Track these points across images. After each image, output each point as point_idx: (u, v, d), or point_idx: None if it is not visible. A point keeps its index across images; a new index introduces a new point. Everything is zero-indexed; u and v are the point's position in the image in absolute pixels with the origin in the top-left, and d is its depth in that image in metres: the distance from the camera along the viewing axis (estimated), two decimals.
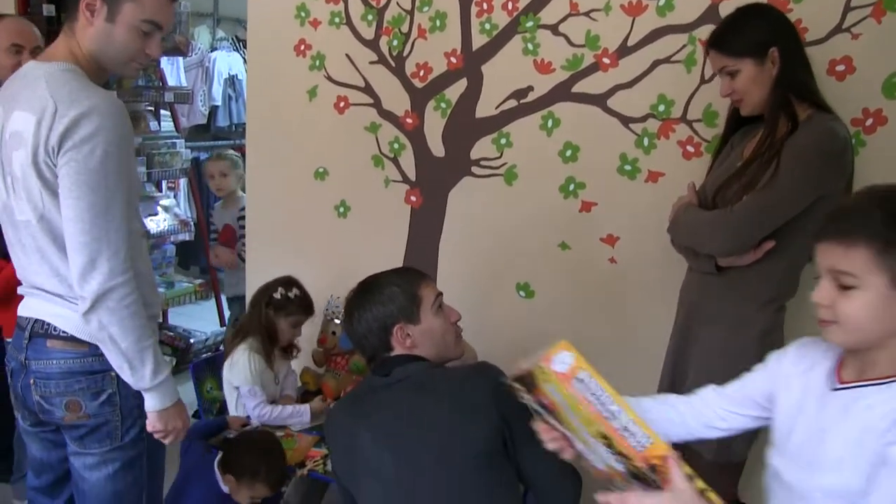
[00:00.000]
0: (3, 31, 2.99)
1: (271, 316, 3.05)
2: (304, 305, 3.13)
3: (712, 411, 1.68)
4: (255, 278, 3.73)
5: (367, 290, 2.13)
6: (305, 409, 3.01)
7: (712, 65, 2.25)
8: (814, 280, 1.40)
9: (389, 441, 1.91)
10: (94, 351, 1.90)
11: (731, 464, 2.29)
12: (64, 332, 1.91)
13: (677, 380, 2.37)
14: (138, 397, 1.95)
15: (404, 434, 1.90)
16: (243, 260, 3.96)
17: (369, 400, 2.02)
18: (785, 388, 1.54)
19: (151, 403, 1.93)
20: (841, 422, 1.38)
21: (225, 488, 2.56)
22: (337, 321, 3.36)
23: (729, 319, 2.24)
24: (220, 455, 2.61)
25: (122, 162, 1.81)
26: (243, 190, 4.11)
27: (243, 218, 3.97)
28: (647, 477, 1.23)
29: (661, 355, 2.50)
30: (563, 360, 1.19)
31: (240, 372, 2.97)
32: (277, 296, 3.06)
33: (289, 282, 3.13)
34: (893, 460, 1.27)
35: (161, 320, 4.99)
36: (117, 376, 1.92)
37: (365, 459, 1.93)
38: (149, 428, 1.97)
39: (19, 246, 1.93)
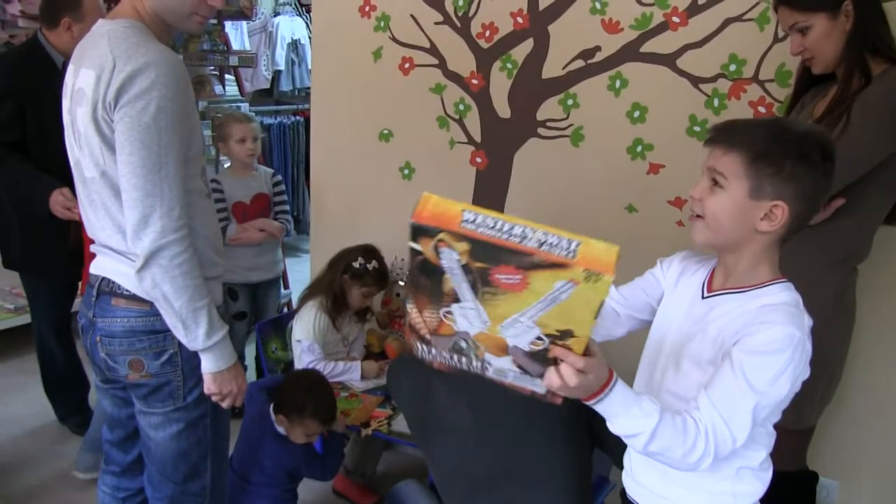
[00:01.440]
0: (90, 14, 3.06)
1: (346, 282, 3.09)
2: (379, 278, 3.15)
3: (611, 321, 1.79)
4: (320, 241, 3.78)
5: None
6: (356, 366, 3.07)
7: (782, 22, 2.19)
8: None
9: (467, 397, 1.91)
10: (155, 311, 1.88)
11: (799, 430, 2.24)
12: (126, 290, 1.91)
13: None
14: (198, 357, 1.95)
15: (481, 390, 1.88)
16: (291, 225, 3.84)
17: None
18: (668, 294, 1.69)
19: (206, 365, 1.93)
20: (704, 326, 1.52)
21: (281, 430, 2.63)
22: (401, 283, 3.37)
23: (799, 280, 2.17)
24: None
25: (177, 118, 1.79)
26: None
27: (279, 184, 3.81)
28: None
29: None
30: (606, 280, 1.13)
31: (303, 326, 3.02)
32: (356, 265, 3.09)
33: (370, 252, 3.15)
34: (732, 357, 1.40)
35: None
36: None
37: (441, 415, 1.93)
38: (205, 390, 1.97)
39: (89, 202, 1.94)
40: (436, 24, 3.27)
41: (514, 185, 3.24)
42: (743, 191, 1.43)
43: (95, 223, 1.94)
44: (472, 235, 1.13)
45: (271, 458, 2.63)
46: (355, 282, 3.08)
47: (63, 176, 1.98)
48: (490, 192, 3.29)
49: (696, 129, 2.77)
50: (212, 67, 5.31)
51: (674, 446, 1.37)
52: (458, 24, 3.22)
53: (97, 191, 1.88)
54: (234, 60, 5.25)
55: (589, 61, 2.96)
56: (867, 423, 2.69)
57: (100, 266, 1.97)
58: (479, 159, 3.29)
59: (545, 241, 1.12)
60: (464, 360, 1.41)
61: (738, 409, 1.39)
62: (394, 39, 3.40)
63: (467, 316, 1.28)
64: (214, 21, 5.22)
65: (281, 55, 6.58)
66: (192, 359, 1.94)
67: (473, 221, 1.14)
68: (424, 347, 1.43)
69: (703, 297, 1.58)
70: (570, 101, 3.03)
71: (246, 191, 3.60)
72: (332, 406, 2.65)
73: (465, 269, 1.18)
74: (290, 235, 4.31)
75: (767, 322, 1.41)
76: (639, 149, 2.91)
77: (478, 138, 3.28)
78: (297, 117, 6.59)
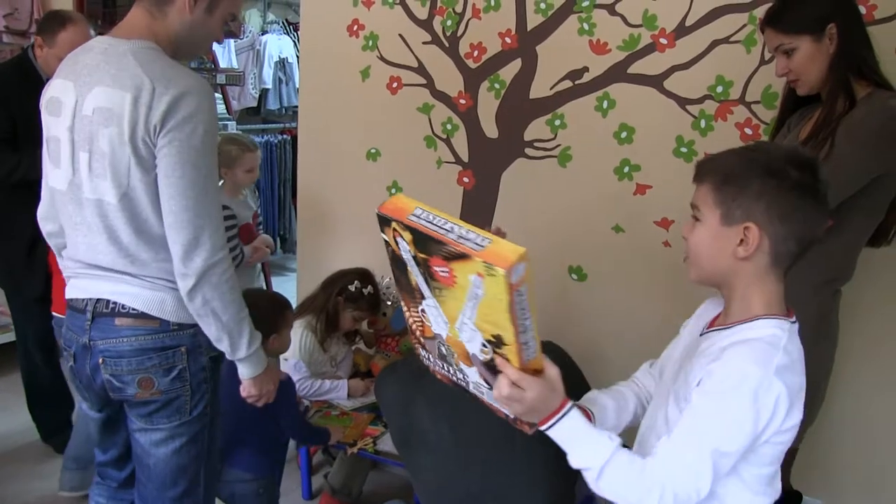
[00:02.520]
0: (67, 39, 3.08)
1: (339, 304, 3.09)
2: (373, 303, 3.18)
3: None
4: (307, 260, 3.77)
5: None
6: (342, 384, 3.07)
7: (767, 44, 2.20)
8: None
9: (448, 416, 1.91)
10: (165, 328, 1.90)
11: None
12: (134, 309, 1.89)
13: None
14: (206, 371, 1.99)
15: (462, 409, 1.89)
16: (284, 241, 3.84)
17: (427, 375, 2.02)
18: (678, 336, 1.68)
19: (247, 371, 2.00)
20: (690, 365, 1.46)
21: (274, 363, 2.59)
22: (388, 302, 3.37)
23: None
24: None
25: (215, 141, 1.86)
26: None
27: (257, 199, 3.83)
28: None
29: None
30: (518, 271, 1.19)
31: (291, 345, 3.01)
32: (352, 288, 3.10)
33: (366, 276, 3.17)
34: (691, 399, 1.36)
35: None
36: (187, 351, 1.94)
37: (422, 434, 1.93)
38: (243, 394, 2.05)
39: (84, 225, 1.90)
40: (424, 43, 3.28)
41: (502, 205, 3.24)
42: (716, 219, 1.39)
43: (91, 246, 1.90)
44: (414, 226, 1.25)
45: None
46: (349, 305, 3.10)
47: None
48: (477, 211, 3.29)
49: (683, 150, 2.78)
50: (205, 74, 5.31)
51: (626, 490, 1.33)
52: (447, 44, 3.23)
53: (103, 214, 1.85)
54: (221, 79, 5.26)
55: (577, 82, 2.97)
56: (850, 442, 2.70)
57: (92, 289, 1.94)
58: (466, 179, 3.30)
59: (463, 236, 1.20)
60: (450, 369, 1.46)
61: (694, 455, 1.32)
62: (382, 59, 3.40)
63: (433, 315, 1.37)
64: None
65: (268, 73, 6.58)
66: (199, 374, 1.97)
67: (419, 216, 1.26)
68: (423, 353, 1.52)
69: (700, 335, 1.53)
70: (557, 122, 3.04)
71: (247, 211, 3.57)
72: (285, 302, 2.64)
73: (416, 260, 1.30)
74: (276, 254, 4.28)
75: (725, 359, 1.35)
76: (626, 169, 2.92)
77: (465, 158, 3.29)
78: (285, 136, 6.58)
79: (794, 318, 1.43)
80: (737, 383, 1.31)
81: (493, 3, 3.09)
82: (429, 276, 1.31)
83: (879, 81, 2.08)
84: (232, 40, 6.05)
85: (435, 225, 1.24)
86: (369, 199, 3.50)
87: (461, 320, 1.32)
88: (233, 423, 2.54)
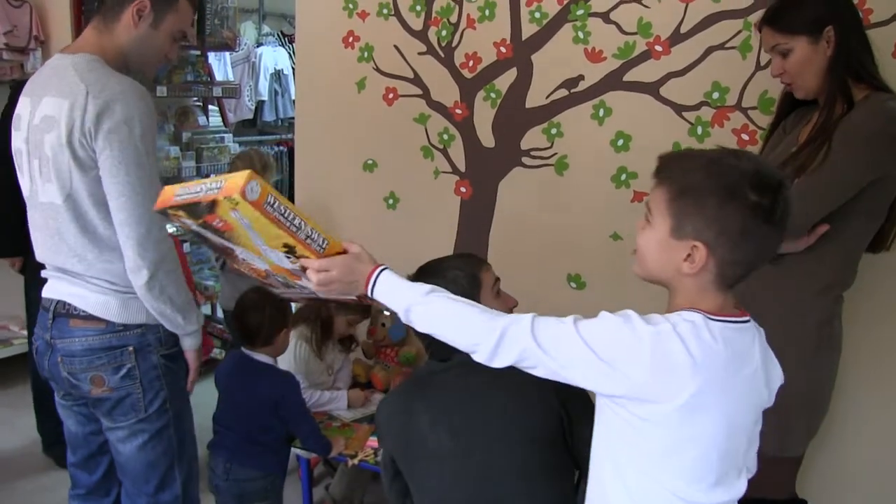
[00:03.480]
0: None
1: (331, 309, 3.09)
2: (364, 306, 3.15)
3: None
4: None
5: (429, 273, 2.13)
6: (342, 395, 3.10)
7: (764, 43, 2.17)
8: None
9: (447, 422, 1.91)
10: (111, 328, 2.03)
11: (788, 458, 2.23)
12: (83, 311, 2.03)
13: None
14: (158, 369, 2.11)
15: (462, 415, 1.91)
16: None
17: (427, 383, 2.04)
18: None
19: (193, 343, 2.16)
20: None
21: (264, 358, 2.71)
22: (387, 313, 3.36)
23: (784, 309, 2.16)
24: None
25: (153, 142, 1.97)
26: None
27: None
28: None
29: None
30: (253, 189, 1.33)
31: (285, 356, 3.01)
32: None
33: None
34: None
35: (210, 313, 5.08)
36: (135, 350, 2.06)
37: (422, 441, 1.93)
38: (192, 366, 2.21)
39: (45, 228, 2.05)
40: (419, 54, 3.28)
41: (499, 214, 3.24)
42: (665, 228, 1.34)
43: (50, 248, 2.06)
44: (179, 203, 1.43)
45: (258, 396, 2.65)
46: (341, 309, 3.09)
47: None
48: (475, 221, 3.28)
49: None
50: (195, 98, 5.32)
51: (450, 316, 1.42)
52: (442, 55, 3.23)
53: (54, 216, 2.00)
54: (217, 91, 5.26)
55: (572, 90, 2.97)
56: (855, 449, 2.68)
57: (54, 289, 2.10)
58: (463, 189, 3.29)
59: (207, 187, 1.38)
60: (296, 290, 1.66)
61: (552, 320, 1.35)
62: (377, 70, 3.40)
63: (248, 257, 1.56)
64: (198, 52, 5.23)
65: (264, 85, 6.57)
66: (150, 371, 2.10)
67: (180, 194, 1.44)
68: (276, 290, 1.74)
69: None
70: (554, 130, 3.03)
71: None
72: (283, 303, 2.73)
73: (202, 226, 1.47)
74: None
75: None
76: (623, 177, 2.92)
77: (462, 168, 3.28)
78: (281, 147, 6.57)
79: (735, 317, 1.37)
80: (620, 318, 1.33)
81: (487, 13, 3.09)
82: (216, 232, 1.47)
83: (878, 85, 2.06)
84: (227, 53, 6.05)
85: (191, 193, 1.41)
86: (366, 210, 3.52)
87: (262, 249, 1.48)
88: (245, 424, 2.64)
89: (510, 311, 2.15)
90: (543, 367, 1.35)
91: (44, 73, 2.05)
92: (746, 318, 1.40)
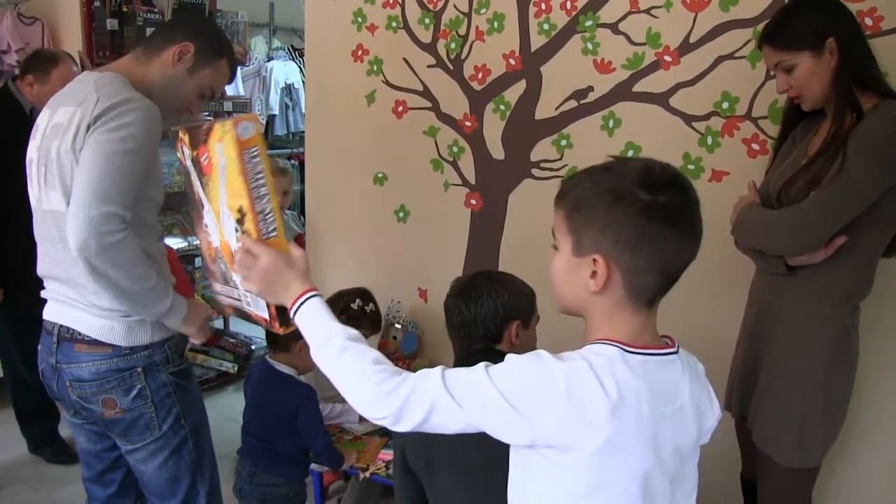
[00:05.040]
0: (59, 77, 3.39)
1: (344, 323, 3.09)
2: (375, 321, 3.21)
3: None
4: (315, 283, 3.75)
5: (497, 280, 2.19)
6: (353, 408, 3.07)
7: (766, 61, 2.16)
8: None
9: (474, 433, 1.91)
10: (118, 352, 2.00)
11: (805, 469, 2.21)
12: (87, 336, 1.99)
13: (748, 382, 2.31)
14: (169, 386, 2.07)
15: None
16: None
17: None
18: None
19: (174, 321, 2.00)
20: None
21: (284, 368, 2.71)
22: (398, 325, 3.36)
23: (802, 321, 2.16)
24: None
25: (142, 154, 1.87)
26: None
27: None
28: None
29: (730, 356, 2.44)
30: (247, 128, 1.29)
31: None
32: (354, 307, 3.12)
33: (366, 295, 3.19)
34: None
35: (223, 326, 5.07)
36: (144, 371, 2.03)
37: (447, 449, 1.91)
38: (193, 339, 2.11)
39: (48, 237, 2.02)
40: (428, 67, 3.29)
41: (510, 227, 3.23)
42: (569, 249, 1.26)
43: (53, 256, 2.02)
44: (188, 126, 1.42)
45: (276, 406, 2.66)
46: (351, 323, 3.07)
47: (29, 216, 2.10)
48: (485, 233, 3.28)
49: (691, 167, 2.77)
50: (206, 113, 5.32)
51: (355, 373, 1.31)
52: (451, 67, 3.23)
53: (56, 224, 1.96)
54: (228, 106, 5.28)
55: (582, 101, 2.97)
56: (871, 459, 2.65)
57: (56, 313, 2.07)
58: (473, 201, 3.29)
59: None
60: (232, 290, 1.55)
61: (455, 371, 1.24)
62: (387, 83, 3.41)
63: (210, 223, 1.48)
64: None
65: (275, 99, 6.60)
66: (161, 390, 2.06)
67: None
68: (217, 287, 1.62)
69: None
70: (563, 142, 3.03)
71: (290, 234, 3.70)
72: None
73: (192, 161, 1.44)
74: None
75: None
76: None
77: (472, 180, 3.28)
78: (292, 161, 6.59)
79: (657, 350, 1.29)
80: (529, 358, 1.22)
81: (496, 25, 3.09)
82: (199, 173, 1.44)
83: (885, 92, 2.05)
84: (238, 67, 6.08)
85: (198, 121, 1.41)
86: (377, 223, 3.52)
87: (222, 210, 1.42)
88: (267, 433, 2.67)
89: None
90: (454, 421, 1.23)
91: (67, 87, 2.06)
92: (673, 350, 1.31)
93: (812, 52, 2.03)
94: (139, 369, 2.02)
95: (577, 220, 1.24)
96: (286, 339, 2.63)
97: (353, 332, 1.35)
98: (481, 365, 1.24)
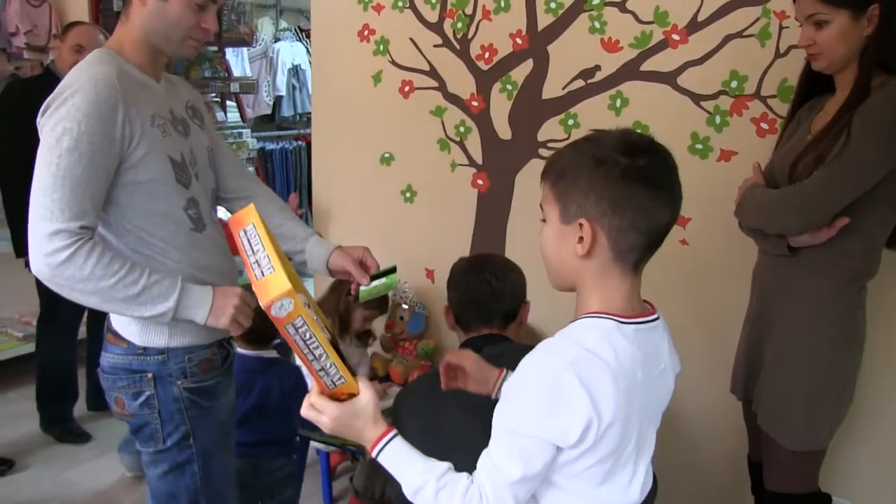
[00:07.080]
0: (72, 33, 3.50)
1: (349, 304, 3.09)
2: (382, 301, 3.17)
3: None
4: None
5: (513, 267, 2.31)
6: None
7: (800, 9, 2.05)
8: None
9: (480, 413, 1.89)
10: (132, 350, 1.90)
11: (811, 451, 2.20)
12: (112, 327, 1.94)
13: (753, 364, 2.30)
14: (181, 402, 1.94)
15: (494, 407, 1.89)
16: None
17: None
18: None
19: (197, 315, 1.81)
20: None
21: (273, 354, 2.73)
22: (405, 306, 3.36)
23: (806, 302, 2.13)
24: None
25: (88, 142, 1.71)
26: None
27: None
28: None
29: (736, 338, 2.43)
30: (281, 307, 1.21)
31: None
32: None
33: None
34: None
35: None
36: (154, 378, 1.91)
37: (453, 433, 1.91)
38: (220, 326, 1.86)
39: None
40: (435, 46, 3.27)
41: (517, 207, 3.22)
42: (556, 218, 1.33)
43: None
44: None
45: (270, 390, 2.65)
46: (358, 304, 3.09)
47: None
48: (492, 213, 3.27)
49: (699, 146, 2.75)
50: (213, 94, 5.34)
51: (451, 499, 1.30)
52: (458, 47, 3.22)
53: None
54: (235, 87, 5.29)
55: (589, 81, 2.95)
56: (879, 441, 2.64)
57: None
58: (480, 181, 3.28)
59: (259, 261, 1.31)
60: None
61: (498, 455, 1.29)
62: (393, 63, 3.39)
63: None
64: (215, 48, 5.25)
65: (282, 81, 6.60)
66: (171, 404, 1.93)
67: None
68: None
69: None
70: (570, 121, 3.01)
71: None
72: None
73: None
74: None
75: (520, 364, 1.30)
76: None
77: (479, 160, 3.27)
78: (300, 142, 6.61)
79: (644, 317, 1.35)
80: (531, 376, 1.28)
81: (503, 5, 3.07)
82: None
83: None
84: (245, 49, 6.06)
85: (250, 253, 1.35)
86: (384, 203, 3.52)
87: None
88: (264, 423, 2.66)
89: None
90: (535, 475, 1.28)
91: None
92: (656, 316, 1.39)
93: (852, 12, 1.95)
94: (150, 375, 1.90)
95: (562, 187, 1.32)
96: (266, 336, 2.64)
97: (440, 468, 1.33)
98: (500, 431, 1.30)
